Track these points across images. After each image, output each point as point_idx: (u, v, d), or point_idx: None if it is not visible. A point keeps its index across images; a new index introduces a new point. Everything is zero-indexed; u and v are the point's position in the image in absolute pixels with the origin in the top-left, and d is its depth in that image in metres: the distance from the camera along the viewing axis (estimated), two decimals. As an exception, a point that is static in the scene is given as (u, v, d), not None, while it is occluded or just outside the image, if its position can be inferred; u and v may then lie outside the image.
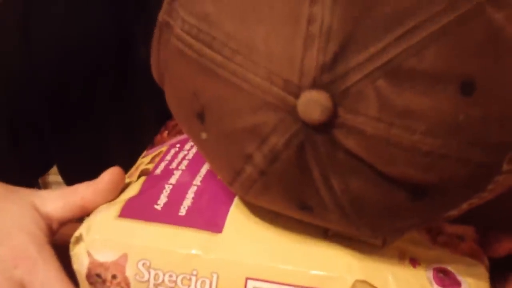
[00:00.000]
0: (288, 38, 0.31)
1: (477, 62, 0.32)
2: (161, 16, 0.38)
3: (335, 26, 0.31)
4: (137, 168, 0.49)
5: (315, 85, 0.31)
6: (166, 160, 0.48)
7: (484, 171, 0.34)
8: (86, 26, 0.56)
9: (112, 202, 0.44)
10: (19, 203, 0.43)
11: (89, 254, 0.41)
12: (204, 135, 0.36)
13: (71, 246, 0.42)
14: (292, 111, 0.32)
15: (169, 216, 0.42)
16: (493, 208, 0.38)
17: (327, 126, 0.32)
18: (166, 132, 0.53)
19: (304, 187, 0.34)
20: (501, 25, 0.32)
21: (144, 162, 0.49)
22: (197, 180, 0.45)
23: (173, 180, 0.45)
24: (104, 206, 0.44)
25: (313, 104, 0.31)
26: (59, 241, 0.43)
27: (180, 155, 0.48)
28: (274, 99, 0.32)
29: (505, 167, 0.34)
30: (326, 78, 0.31)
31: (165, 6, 0.37)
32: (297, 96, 0.32)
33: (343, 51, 0.31)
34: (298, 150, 0.33)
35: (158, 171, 0.47)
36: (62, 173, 0.65)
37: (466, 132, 0.32)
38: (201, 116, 0.36)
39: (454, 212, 0.36)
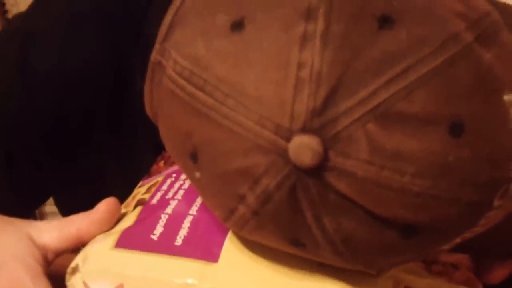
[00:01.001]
0: (278, 83, 0.32)
1: (466, 104, 0.32)
2: (154, 56, 0.38)
3: (325, 71, 0.31)
4: (133, 198, 0.49)
5: (306, 129, 0.32)
6: (162, 190, 0.48)
7: (475, 209, 0.34)
8: (84, 60, 0.56)
9: (108, 232, 0.45)
10: (15, 234, 0.43)
11: (85, 285, 0.41)
12: (197, 174, 0.37)
13: (67, 276, 0.42)
14: (283, 154, 0.32)
15: (165, 246, 0.42)
16: (486, 237, 0.39)
17: (318, 169, 0.32)
18: (162, 162, 0.53)
19: (297, 226, 0.35)
20: (490, 65, 0.33)
21: (140, 192, 0.49)
22: (193, 210, 0.45)
23: (169, 209, 0.45)
24: (100, 236, 0.44)
25: (304, 148, 0.32)
26: (55, 272, 0.43)
27: (176, 185, 0.48)
28: (266, 142, 0.33)
29: (496, 203, 0.34)
30: (317, 122, 0.32)
31: (157, 46, 0.38)
32: (288, 139, 0.32)
33: (333, 96, 0.31)
34: (290, 191, 0.33)
35: (154, 201, 0.47)
36: (58, 204, 0.65)
37: (456, 172, 0.32)
38: (194, 156, 0.36)
39: (446, 247, 0.36)
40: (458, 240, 0.36)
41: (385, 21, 0.32)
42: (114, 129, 0.59)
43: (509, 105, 0.34)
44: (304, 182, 0.33)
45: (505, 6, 0.39)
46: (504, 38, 0.35)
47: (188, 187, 0.48)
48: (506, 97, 0.34)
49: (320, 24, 0.32)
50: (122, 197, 0.49)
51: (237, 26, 0.33)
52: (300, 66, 0.31)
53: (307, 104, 0.31)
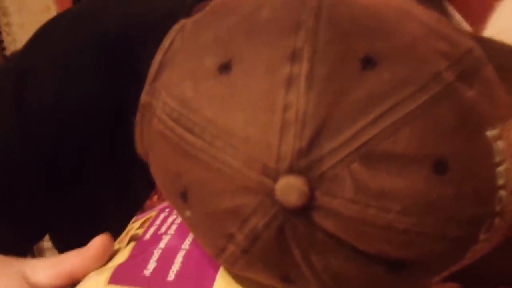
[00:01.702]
0: (265, 124, 0.33)
1: (449, 142, 0.33)
2: (143, 96, 0.39)
3: (310, 113, 0.32)
4: (127, 234, 0.50)
5: (292, 170, 0.32)
6: (156, 225, 0.48)
7: (461, 244, 0.35)
8: (80, 97, 0.57)
9: (102, 268, 0.45)
10: (9, 273, 0.43)
11: (79, 321, 0.42)
12: (187, 213, 0.37)
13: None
14: (270, 194, 0.33)
15: (158, 281, 0.42)
16: (477, 265, 0.39)
17: (305, 209, 0.33)
18: (156, 196, 0.54)
19: (286, 264, 0.35)
20: (472, 103, 0.34)
21: (134, 227, 0.50)
22: (186, 244, 0.45)
23: (162, 244, 0.45)
24: (94, 273, 0.44)
25: (290, 189, 0.32)
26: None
27: (169, 220, 0.49)
28: (253, 183, 0.33)
29: (482, 236, 0.35)
30: (303, 163, 0.32)
31: (147, 86, 0.39)
32: (275, 180, 0.33)
33: (318, 137, 0.32)
34: (278, 231, 0.34)
35: (147, 236, 0.47)
36: (54, 240, 0.66)
37: (440, 209, 0.33)
38: (184, 196, 0.37)
39: (435, 280, 0.37)
40: (446, 273, 0.36)
41: (368, 62, 0.33)
42: (111, 164, 0.60)
43: (492, 140, 0.34)
44: (291, 221, 0.33)
45: (489, 40, 0.40)
46: (487, 74, 0.36)
47: (181, 221, 0.48)
48: (489, 133, 0.34)
49: (304, 66, 0.33)
50: (118, 232, 0.50)
51: (225, 68, 0.34)
52: (285, 108, 0.32)
53: (293, 145, 0.32)
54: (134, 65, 0.47)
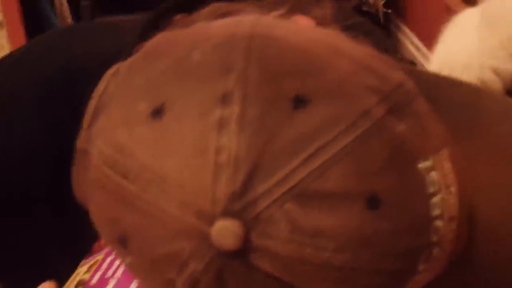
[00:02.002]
0: (198, 168, 0.33)
1: (381, 177, 0.33)
2: (79, 143, 0.39)
3: (242, 155, 0.32)
4: (74, 279, 0.49)
5: (227, 213, 0.32)
6: (102, 269, 0.48)
7: (399, 276, 0.35)
8: (21, 142, 0.57)
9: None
10: None
11: None
12: (128, 259, 0.37)
13: None
14: (206, 238, 0.33)
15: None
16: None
17: (242, 251, 0.33)
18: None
19: None
20: (403, 137, 0.34)
21: (81, 272, 0.49)
22: (133, 287, 0.45)
23: (109, 288, 0.45)
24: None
25: (225, 232, 0.32)
26: None
27: (116, 263, 0.48)
28: (189, 227, 0.33)
29: (421, 267, 0.35)
30: (237, 206, 0.32)
31: (83, 132, 0.39)
32: (211, 224, 0.33)
33: (252, 179, 0.32)
34: (217, 274, 0.34)
35: (94, 281, 0.47)
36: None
37: (376, 244, 0.33)
38: (123, 242, 0.36)
39: None
40: None
41: (299, 102, 0.33)
42: (57, 209, 0.59)
43: (425, 172, 0.35)
44: (230, 264, 0.33)
45: (422, 72, 0.41)
46: (418, 107, 0.36)
47: (128, 264, 0.48)
48: (421, 165, 0.35)
49: (235, 109, 0.33)
50: (66, 276, 0.49)
51: (157, 113, 0.34)
52: (218, 151, 0.32)
53: (227, 188, 0.32)
54: (76, 108, 0.47)
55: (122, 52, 0.47)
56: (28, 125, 0.57)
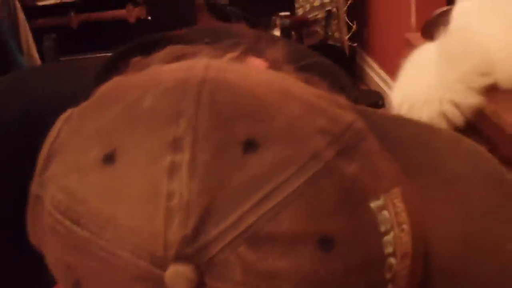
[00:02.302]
0: (150, 214, 0.33)
1: (332, 219, 0.34)
2: (33, 188, 0.39)
3: (193, 200, 0.32)
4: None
5: (180, 257, 0.32)
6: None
7: None
8: None
9: None
10: None
11: None
12: None
13: None
14: (161, 283, 0.33)
15: None
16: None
17: None
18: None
19: None
20: (353, 177, 0.35)
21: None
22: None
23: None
24: None
25: (179, 277, 0.32)
26: None
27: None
28: (143, 272, 0.33)
29: None
30: (190, 250, 0.32)
31: (36, 177, 0.38)
32: (164, 268, 0.33)
33: (204, 223, 0.32)
34: None
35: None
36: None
37: (330, 284, 0.33)
38: (78, 287, 0.36)
39: None
40: None
41: (250, 145, 0.34)
42: (16, 253, 0.58)
43: (377, 211, 0.35)
44: None
45: (373, 112, 0.42)
46: (368, 146, 0.37)
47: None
48: (373, 204, 0.35)
49: (186, 155, 0.33)
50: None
51: (109, 159, 0.34)
52: (169, 196, 0.33)
53: (179, 233, 0.32)
54: (36, 151, 0.46)
55: (79, 96, 0.47)
56: None
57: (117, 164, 0.34)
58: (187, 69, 0.37)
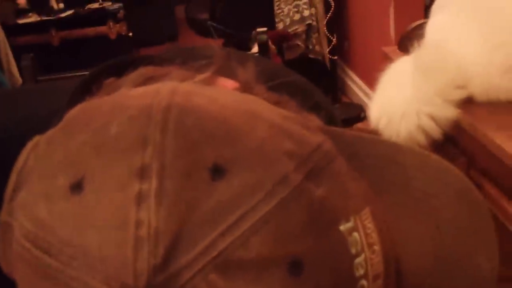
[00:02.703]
0: (119, 242, 0.32)
1: (301, 242, 0.34)
2: (3, 215, 0.38)
3: (162, 228, 0.32)
4: None
5: (150, 286, 0.32)
6: None
7: None
8: None
9: None
10: None
11: None
12: None
13: None
14: None
15: None
16: None
17: None
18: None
19: None
20: (322, 200, 0.35)
21: None
22: None
23: None
24: None
25: None
26: None
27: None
28: None
29: None
30: (160, 278, 0.32)
31: (5, 205, 0.38)
32: None
33: (173, 251, 0.32)
34: None
35: None
36: None
37: None
38: None
39: None
40: None
41: (217, 171, 0.33)
42: None
43: (347, 233, 0.35)
44: None
45: (342, 131, 0.42)
46: (337, 167, 0.37)
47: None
48: (342, 227, 0.35)
49: (154, 183, 0.33)
50: None
51: (76, 187, 0.34)
52: (137, 225, 0.32)
53: (148, 262, 0.32)
54: (8, 174, 0.46)
55: (53, 118, 0.47)
56: None
57: (85, 192, 0.34)
58: (153, 94, 0.36)
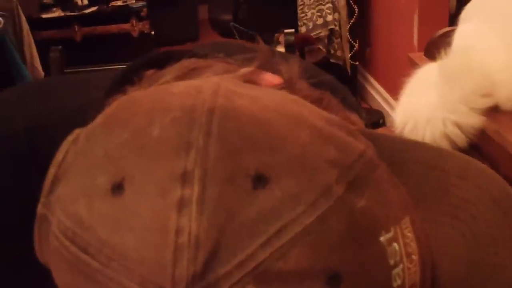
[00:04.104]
0: (158, 247, 0.32)
1: (341, 255, 0.33)
2: (40, 208, 0.38)
3: (202, 237, 0.32)
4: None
5: None
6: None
7: None
8: None
9: None
10: None
11: None
12: None
13: None
14: None
15: None
16: None
17: None
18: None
19: None
20: (363, 211, 0.34)
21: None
22: None
23: None
24: None
25: None
26: None
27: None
28: None
29: None
30: (198, 287, 0.32)
31: (42, 198, 0.38)
32: None
33: (212, 260, 0.32)
34: None
35: None
36: None
37: None
38: None
39: None
40: None
41: (259, 180, 0.33)
42: (23, 265, 0.59)
43: (387, 244, 0.35)
44: None
45: (382, 136, 0.41)
46: (379, 176, 0.36)
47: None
48: (383, 238, 0.34)
49: (196, 189, 0.32)
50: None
51: (117, 188, 0.34)
52: (178, 232, 0.32)
53: (187, 269, 0.32)
54: (42, 165, 0.47)
55: (88, 108, 0.48)
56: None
57: (125, 194, 0.34)
58: (195, 93, 0.36)
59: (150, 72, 0.46)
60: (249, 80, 0.42)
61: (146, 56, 0.49)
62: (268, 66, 0.44)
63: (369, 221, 0.34)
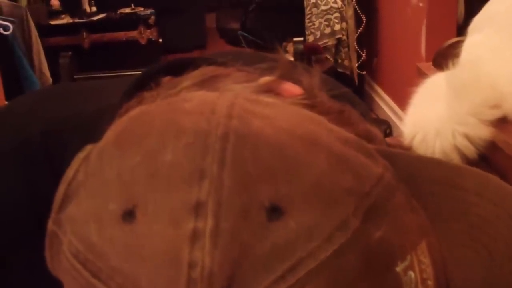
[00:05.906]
0: (171, 280, 0.31)
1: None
2: (50, 225, 0.38)
3: (216, 271, 0.31)
4: None
5: None
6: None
7: None
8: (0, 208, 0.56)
9: None
10: None
11: None
12: None
13: None
14: None
15: None
16: None
17: None
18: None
19: None
20: (380, 242, 0.33)
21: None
22: None
23: None
24: None
25: None
26: None
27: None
28: None
29: None
30: None
31: (53, 214, 0.38)
32: None
33: None
34: None
35: None
36: None
37: None
38: None
39: None
40: None
41: (274, 212, 0.32)
42: (36, 269, 0.59)
43: (403, 274, 0.34)
44: None
45: (399, 154, 0.40)
46: (397, 202, 0.36)
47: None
48: (398, 268, 0.34)
49: (209, 222, 0.32)
50: None
51: (129, 215, 0.33)
52: (191, 265, 0.31)
53: None
54: (57, 172, 0.47)
55: (103, 115, 0.47)
56: (7, 189, 0.56)
57: (137, 222, 0.33)
58: (208, 113, 0.35)
59: (167, 78, 0.46)
60: (270, 90, 0.41)
61: (163, 62, 0.49)
62: (289, 76, 0.43)
63: (385, 252, 0.34)
